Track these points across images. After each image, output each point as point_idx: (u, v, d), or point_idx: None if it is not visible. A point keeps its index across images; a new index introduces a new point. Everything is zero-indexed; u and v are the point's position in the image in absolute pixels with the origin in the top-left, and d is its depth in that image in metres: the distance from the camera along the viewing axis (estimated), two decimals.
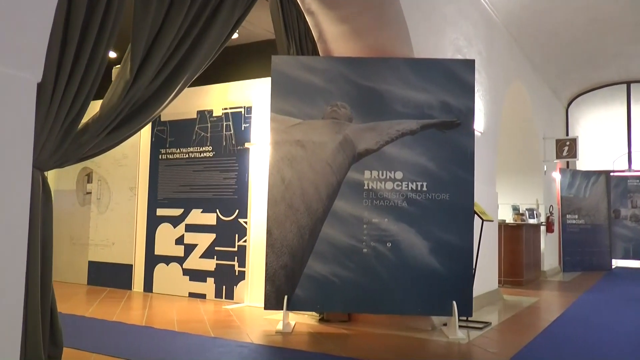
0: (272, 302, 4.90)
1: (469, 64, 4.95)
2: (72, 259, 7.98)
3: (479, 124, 6.67)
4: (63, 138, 3.05)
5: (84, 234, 7.89)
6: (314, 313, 5.46)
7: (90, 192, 7.90)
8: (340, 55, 5.45)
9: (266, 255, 4.93)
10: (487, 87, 6.99)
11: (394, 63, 4.98)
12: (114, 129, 3.32)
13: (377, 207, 4.88)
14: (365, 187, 4.90)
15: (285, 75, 5.02)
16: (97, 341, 4.22)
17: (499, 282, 7.99)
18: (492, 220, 5.57)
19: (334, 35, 5.33)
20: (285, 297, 4.86)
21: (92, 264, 7.77)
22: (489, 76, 7.08)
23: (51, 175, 8.37)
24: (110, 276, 7.56)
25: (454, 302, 4.74)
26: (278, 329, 4.85)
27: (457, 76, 4.92)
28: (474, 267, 5.04)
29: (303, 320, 5.36)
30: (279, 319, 5.03)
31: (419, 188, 4.87)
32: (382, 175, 4.90)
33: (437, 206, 4.84)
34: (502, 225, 9.04)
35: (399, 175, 4.89)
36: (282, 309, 4.82)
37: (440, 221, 4.83)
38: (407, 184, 4.88)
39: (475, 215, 5.11)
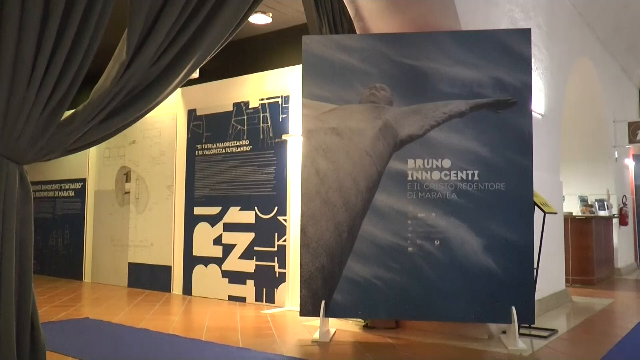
0: (308, 308, 4.44)
1: (524, 34, 4.32)
2: (113, 261, 7.77)
3: (540, 105, 5.98)
4: (45, 125, 2.66)
5: (124, 235, 7.65)
6: (358, 319, 4.96)
7: (129, 192, 7.66)
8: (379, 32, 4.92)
9: (301, 256, 4.47)
10: (547, 65, 6.28)
11: (438, 37, 4.41)
12: (107, 118, 2.91)
13: (423, 200, 4.32)
14: (409, 177, 4.35)
15: (318, 57, 4.54)
16: (104, 350, 3.87)
17: (567, 281, 7.25)
18: (556, 213, 4.91)
19: (371, 12, 4.80)
20: (323, 302, 4.38)
21: (132, 266, 7.53)
22: (550, 53, 6.37)
23: (92, 176, 8.20)
24: (149, 278, 7.29)
25: (513, 308, 4.14)
26: (315, 338, 4.38)
27: (510, 48, 4.30)
28: (535, 266, 4.42)
29: (346, 327, 4.86)
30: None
31: (470, 177, 4.28)
32: (428, 164, 4.34)
33: (491, 198, 4.24)
34: (569, 219, 8.25)
35: (446, 163, 4.31)
36: (319, 316, 4.35)
37: (495, 215, 4.23)
38: (457, 173, 4.30)
39: (536, 207, 4.48)
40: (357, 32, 4.97)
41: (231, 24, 3.47)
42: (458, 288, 4.23)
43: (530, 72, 4.27)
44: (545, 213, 4.65)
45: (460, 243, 4.25)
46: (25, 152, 2.65)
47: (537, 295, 4.94)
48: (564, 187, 7.59)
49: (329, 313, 4.41)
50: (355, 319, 5.02)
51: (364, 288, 4.37)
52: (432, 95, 4.36)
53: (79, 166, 8.40)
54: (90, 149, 8.25)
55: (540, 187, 5.27)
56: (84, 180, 8.33)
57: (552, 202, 5.36)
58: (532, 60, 5.72)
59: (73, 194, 8.47)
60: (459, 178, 4.29)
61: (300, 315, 4.45)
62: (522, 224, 4.21)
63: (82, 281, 8.09)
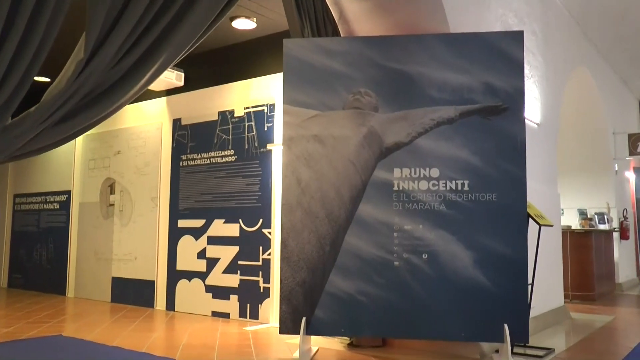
0: (288, 325, 4.18)
1: (516, 37, 4.10)
2: (96, 275, 7.52)
3: (535, 114, 5.75)
4: None
5: (108, 249, 7.40)
6: (343, 337, 4.70)
7: (113, 204, 7.43)
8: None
9: (281, 271, 4.23)
10: (543, 73, 6.06)
11: (426, 40, 4.19)
12: (62, 120, 2.70)
13: (410, 211, 4.08)
14: (395, 187, 4.12)
15: (300, 61, 4.32)
16: None
17: (566, 297, 6.98)
18: (552, 225, 4.66)
19: (356, 14, 4.59)
20: (304, 319, 4.12)
21: (115, 280, 7.27)
22: (546, 60, 6.16)
23: (77, 187, 7.97)
24: (133, 293, 7.03)
25: (506, 326, 3.88)
26: (294, 358, 4.12)
27: (502, 52, 4.08)
28: (530, 281, 4.16)
29: (330, 345, 4.60)
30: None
31: (459, 187, 4.04)
32: (415, 173, 4.11)
33: (482, 209, 4.00)
34: (568, 232, 7.99)
35: (435, 172, 4.08)
36: (299, 333, 4.10)
37: (486, 227, 3.99)
38: (446, 183, 4.06)
39: (530, 219, 4.23)
40: (342, 35, 4.76)
41: (202, 25, 3.26)
42: (447, 305, 3.97)
43: (523, 76, 4.04)
44: (540, 225, 4.41)
45: (450, 257, 4.00)
46: None
47: (533, 312, 4.68)
48: (563, 200, 7.35)
49: (310, 330, 4.15)
50: (340, 337, 4.76)
51: (347, 304, 4.12)
52: (420, 101, 4.14)
53: (64, 178, 8.18)
54: (76, 159, 8.03)
55: (537, 199, 5.03)
56: (69, 193, 8.10)
57: (550, 215, 5.11)
58: (527, 67, 5.51)
59: (58, 206, 8.24)
60: (448, 188, 4.05)
61: (280, 332, 4.20)
62: (515, 237, 3.97)
63: (65, 296, 7.83)
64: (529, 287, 4.03)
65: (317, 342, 4.63)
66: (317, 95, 4.30)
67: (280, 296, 4.20)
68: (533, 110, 5.68)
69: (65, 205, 8.13)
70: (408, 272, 4.05)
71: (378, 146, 4.20)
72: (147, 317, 6.03)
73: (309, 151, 4.30)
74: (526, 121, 4.93)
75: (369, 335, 4.23)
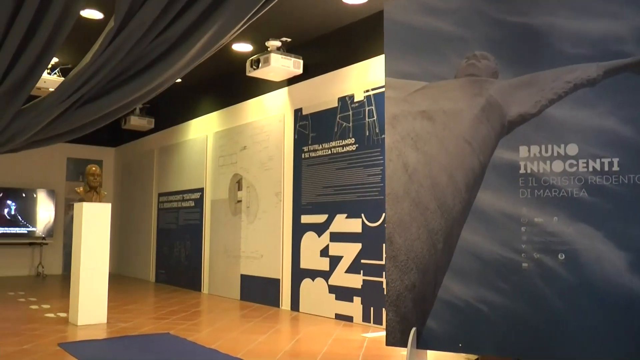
0: (395, 335, 3.56)
1: None
2: (226, 272, 7.43)
3: None
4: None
5: (236, 246, 7.27)
6: (469, 355, 3.94)
7: (241, 200, 7.28)
8: None
9: (387, 272, 3.62)
10: None
11: None
12: (89, 101, 2.35)
13: (541, 200, 3.24)
14: (522, 170, 3.30)
15: (402, 25, 3.68)
16: None
17: None
18: None
19: None
20: (413, 329, 3.48)
21: (244, 278, 7.11)
22: None
23: (209, 185, 7.98)
24: (260, 291, 6.81)
25: None
26: None
27: None
28: None
29: None
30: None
31: (606, 168, 3.12)
32: (547, 151, 3.26)
33: (638, 195, 3.05)
34: None
35: (572, 149, 3.20)
36: (407, 346, 3.46)
37: None
38: (587, 163, 3.16)
39: None
40: None
41: None
42: (593, 319, 3.08)
43: None
44: None
45: (595, 258, 3.10)
46: None
47: None
48: None
49: (421, 344, 3.49)
50: (463, 354, 4.01)
51: (465, 314, 3.39)
52: (550, 60, 3.27)
53: (198, 176, 8.25)
54: (208, 157, 8.05)
55: None
56: (202, 190, 8.14)
57: None
58: None
59: (193, 204, 8.34)
60: (591, 169, 3.15)
61: (387, 344, 3.59)
62: None
63: (200, 292, 7.87)
64: None
65: (438, 358, 3.94)
66: (424, 64, 3.62)
67: (387, 302, 3.60)
68: None
69: (199, 203, 8.18)
70: (540, 277, 3.21)
71: (499, 120, 3.41)
72: (266, 318, 5.72)
73: (416, 130, 3.63)
74: None
75: (492, 353, 3.45)
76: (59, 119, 2.29)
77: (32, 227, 10.02)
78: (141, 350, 4.13)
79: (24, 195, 9.99)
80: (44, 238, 10.06)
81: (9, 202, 9.89)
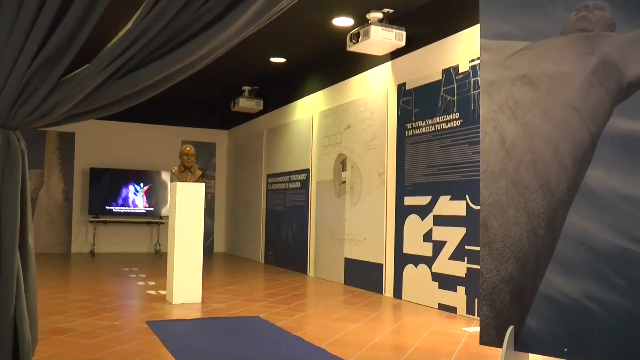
0: (490, 333, 3.15)
1: None
2: (331, 255, 7.23)
3: None
4: (39, 79, 2.06)
5: (340, 228, 7.04)
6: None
7: (345, 181, 7.02)
8: None
9: (481, 260, 3.20)
10: None
11: None
12: (131, 70, 2.17)
13: None
14: None
15: None
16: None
17: None
18: None
19: None
20: (511, 327, 3.04)
21: (347, 262, 6.87)
22: None
23: (314, 166, 7.81)
24: (363, 276, 6.53)
25: None
26: None
27: None
28: None
29: None
30: None
31: None
32: None
33: None
34: None
35: None
36: (503, 346, 3.02)
37: None
38: None
39: None
40: None
41: None
42: None
43: None
44: None
45: None
46: (11, 113, 2.08)
47: None
48: None
49: (519, 344, 3.04)
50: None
51: (571, 313, 2.90)
52: None
53: (304, 157, 8.10)
54: (314, 137, 7.87)
55: None
56: (307, 171, 7.99)
57: None
58: None
59: (299, 185, 8.22)
60: None
61: (481, 342, 3.19)
62: None
63: (306, 275, 7.75)
64: None
65: None
66: (525, 21, 3.12)
67: (481, 294, 3.19)
68: None
69: (305, 184, 8.04)
70: None
71: (615, 82, 2.83)
72: (366, 305, 5.43)
73: (516, 98, 3.14)
74: None
75: (603, 359, 2.91)
76: (98, 90, 2.14)
77: (150, 207, 10.59)
78: (224, 333, 4.03)
79: (144, 176, 10.53)
80: (160, 217, 10.52)
81: (131, 184, 10.47)
